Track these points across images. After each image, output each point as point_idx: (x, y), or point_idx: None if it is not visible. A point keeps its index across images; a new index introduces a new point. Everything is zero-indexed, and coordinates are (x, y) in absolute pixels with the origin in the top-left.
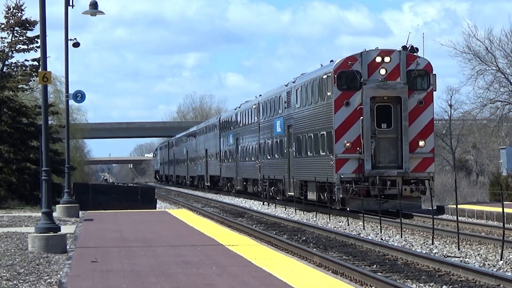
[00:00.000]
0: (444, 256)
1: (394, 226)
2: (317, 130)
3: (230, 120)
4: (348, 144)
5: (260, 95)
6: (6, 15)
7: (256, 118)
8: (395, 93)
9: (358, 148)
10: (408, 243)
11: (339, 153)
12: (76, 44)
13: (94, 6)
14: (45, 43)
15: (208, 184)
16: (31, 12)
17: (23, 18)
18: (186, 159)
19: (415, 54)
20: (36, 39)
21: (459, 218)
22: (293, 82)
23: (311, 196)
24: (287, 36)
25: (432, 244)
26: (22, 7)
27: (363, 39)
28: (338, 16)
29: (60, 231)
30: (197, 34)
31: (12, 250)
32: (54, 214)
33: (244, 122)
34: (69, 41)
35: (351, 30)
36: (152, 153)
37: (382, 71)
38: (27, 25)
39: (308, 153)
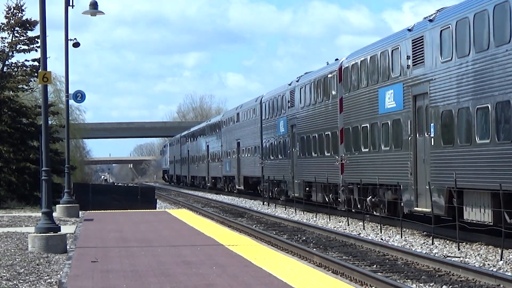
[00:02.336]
0: (444, 256)
1: (394, 226)
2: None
3: (280, 100)
4: None
5: (337, 59)
6: (7, 15)
7: (333, 91)
8: None
9: None
10: (408, 243)
11: None
12: (76, 44)
13: (94, 6)
14: (45, 43)
15: (241, 187)
16: (32, 12)
17: (24, 18)
18: (206, 156)
19: None
20: (36, 39)
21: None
22: (429, 20)
23: (478, 216)
24: (288, 35)
25: (432, 244)
26: (23, 7)
27: (364, 39)
28: (339, 15)
29: (60, 231)
30: (198, 34)
31: (12, 250)
32: (54, 214)
33: (307, 101)
34: (69, 41)
35: (352, 29)
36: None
37: None
38: (28, 25)
39: (476, 139)
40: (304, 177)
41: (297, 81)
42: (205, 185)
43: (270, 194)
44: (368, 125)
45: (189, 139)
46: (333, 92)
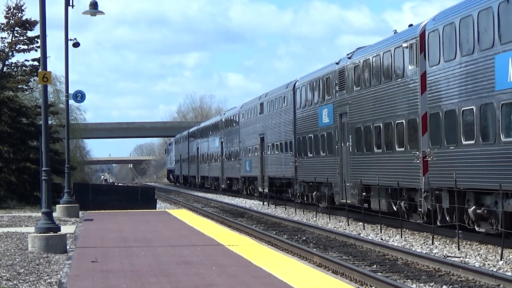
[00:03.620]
0: (444, 256)
1: (394, 226)
2: None
3: (322, 84)
4: None
5: (411, 25)
6: (6, 15)
7: (410, 66)
8: None
9: None
10: (408, 243)
11: None
12: (76, 44)
13: (94, 6)
14: (45, 43)
15: (266, 190)
16: (31, 12)
17: (23, 18)
18: (220, 154)
19: None
20: (36, 39)
21: None
22: None
23: None
24: (288, 35)
25: (432, 244)
26: (22, 7)
27: (364, 39)
28: (339, 15)
29: (60, 231)
30: (199, 34)
31: (12, 250)
32: (54, 214)
33: (365, 82)
34: (69, 41)
35: (353, 29)
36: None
37: None
38: (27, 25)
39: None
40: (361, 179)
41: (349, 57)
42: (218, 187)
43: (305, 199)
44: (473, 107)
45: (199, 136)
46: (410, 67)
